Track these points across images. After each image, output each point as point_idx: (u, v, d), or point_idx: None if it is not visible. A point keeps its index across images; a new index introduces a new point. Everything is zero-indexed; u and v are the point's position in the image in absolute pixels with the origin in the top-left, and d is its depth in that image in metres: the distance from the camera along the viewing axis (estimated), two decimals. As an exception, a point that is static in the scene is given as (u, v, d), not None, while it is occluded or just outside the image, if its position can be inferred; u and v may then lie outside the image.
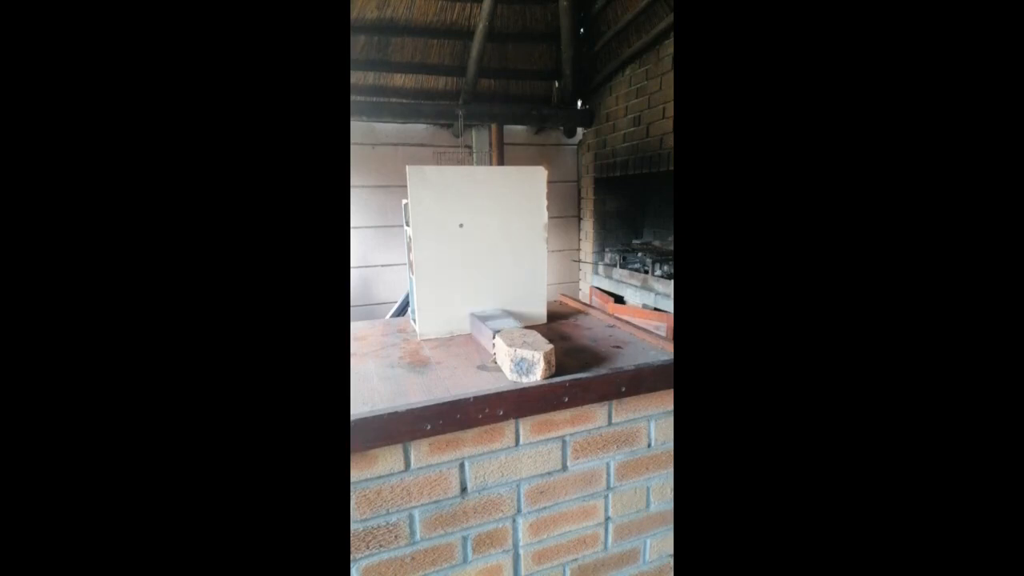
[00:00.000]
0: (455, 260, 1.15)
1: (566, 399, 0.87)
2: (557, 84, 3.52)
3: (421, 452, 0.80)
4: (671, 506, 1.05)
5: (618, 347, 1.07)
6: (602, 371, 0.91)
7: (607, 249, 3.48)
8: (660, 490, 1.03)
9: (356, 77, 3.12)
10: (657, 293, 2.70)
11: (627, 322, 1.23)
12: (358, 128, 3.23)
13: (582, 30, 3.32)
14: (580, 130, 3.72)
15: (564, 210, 3.85)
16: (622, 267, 3.13)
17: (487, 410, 0.82)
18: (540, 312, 1.27)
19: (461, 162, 3.49)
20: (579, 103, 3.55)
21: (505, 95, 3.48)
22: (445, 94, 3.35)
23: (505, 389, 0.84)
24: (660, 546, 1.06)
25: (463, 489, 0.85)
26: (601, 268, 3.48)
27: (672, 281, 2.58)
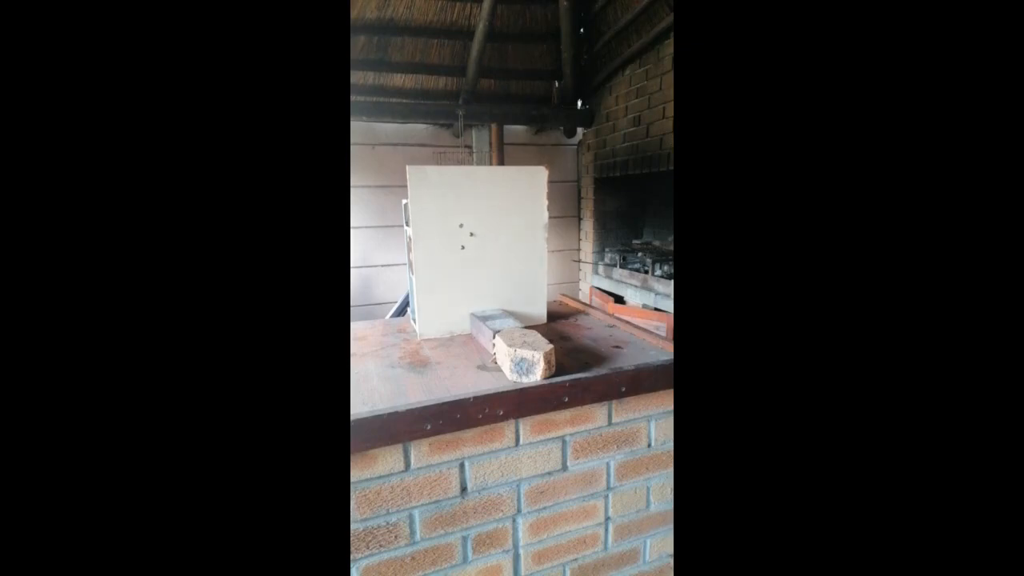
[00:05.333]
0: (455, 260, 1.15)
1: (566, 399, 0.87)
2: (557, 84, 3.52)
3: (421, 452, 0.80)
4: (671, 506, 1.05)
5: (618, 347, 1.07)
6: (602, 371, 0.91)
7: (607, 249, 3.48)
8: (660, 490, 1.03)
9: (356, 77, 3.12)
10: (657, 293, 2.69)
11: (627, 322, 1.23)
12: (358, 128, 3.23)
13: (582, 30, 3.31)
14: (580, 130, 3.71)
15: (564, 210, 3.85)
16: (622, 267, 3.13)
17: (487, 410, 0.82)
18: (540, 312, 1.27)
19: (461, 162, 3.49)
20: (579, 103, 3.55)
21: (505, 95, 3.48)
22: (445, 94, 3.35)
23: (505, 389, 0.84)
24: (660, 546, 1.06)
25: (463, 489, 0.85)
26: (601, 268, 3.48)
27: (672, 281, 2.58)
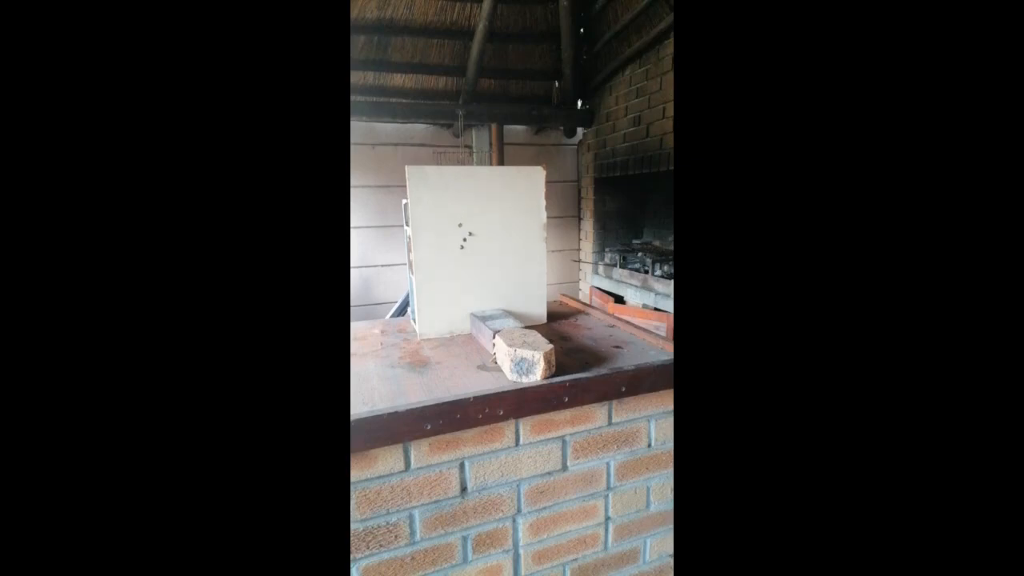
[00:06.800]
0: (455, 260, 1.15)
1: (566, 399, 0.87)
2: (557, 84, 3.52)
3: (421, 452, 0.80)
4: (671, 506, 1.05)
5: (618, 347, 1.07)
6: (602, 371, 0.91)
7: (607, 249, 3.48)
8: (660, 490, 1.03)
9: (356, 77, 3.12)
10: (657, 293, 2.69)
11: (627, 322, 1.23)
12: (358, 128, 3.23)
13: (582, 30, 3.31)
14: (580, 130, 3.71)
15: (564, 210, 3.85)
16: (622, 267, 3.13)
17: (487, 410, 0.82)
18: (540, 312, 1.27)
19: (461, 162, 3.49)
20: (579, 103, 3.55)
21: (505, 95, 3.47)
22: (445, 94, 3.35)
23: (505, 389, 0.84)
24: (660, 546, 1.06)
25: (463, 489, 0.85)
26: (601, 268, 3.48)
27: (672, 281, 2.58)
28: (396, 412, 0.76)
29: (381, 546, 0.81)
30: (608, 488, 0.98)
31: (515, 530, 0.91)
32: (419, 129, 3.42)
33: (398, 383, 0.89)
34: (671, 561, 1.08)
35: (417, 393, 0.84)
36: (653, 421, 0.99)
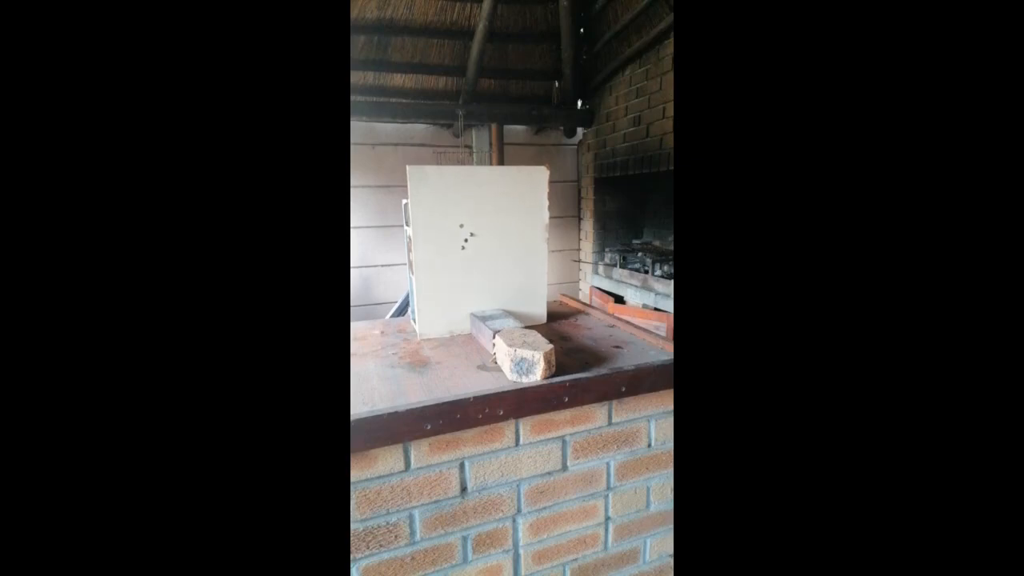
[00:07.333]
0: (455, 260, 1.15)
1: (566, 399, 0.87)
2: (557, 84, 3.52)
3: (421, 452, 0.80)
4: (671, 506, 1.05)
5: (618, 347, 1.07)
6: (602, 371, 0.91)
7: (607, 249, 3.48)
8: (660, 490, 1.03)
9: (356, 77, 3.12)
10: (657, 293, 2.69)
11: (627, 322, 1.23)
12: (358, 128, 3.23)
13: (582, 30, 3.31)
14: (580, 130, 3.71)
15: (564, 210, 3.85)
16: (622, 267, 3.13)
17: (487, 410, 0.82)
18: (540, 312, 1.27)
19: (461, 162, 3.49)
20: (579, 103, 3.55)
21: (505, 95, 3.48)
22: (445, 94, 3.35)
23: (505, 389, 0.84)
24: (660, 546, 1.06)
25: (463, 489, 0.85)
26: (601, 268, 3.48)
27: (672, 281, 2.58)
28: (396, 412, 0.76)
29: (381, 546, 0.81)
30: (608, 488, 0.98)
31: (515, 530, 0.91)
32: (419, 129, 3.42)
33: (398, 383, 0.89)
34: (671, 561, 1.08)
35: (417, 393, 0.84)
36: (653, 421, 0.99)
